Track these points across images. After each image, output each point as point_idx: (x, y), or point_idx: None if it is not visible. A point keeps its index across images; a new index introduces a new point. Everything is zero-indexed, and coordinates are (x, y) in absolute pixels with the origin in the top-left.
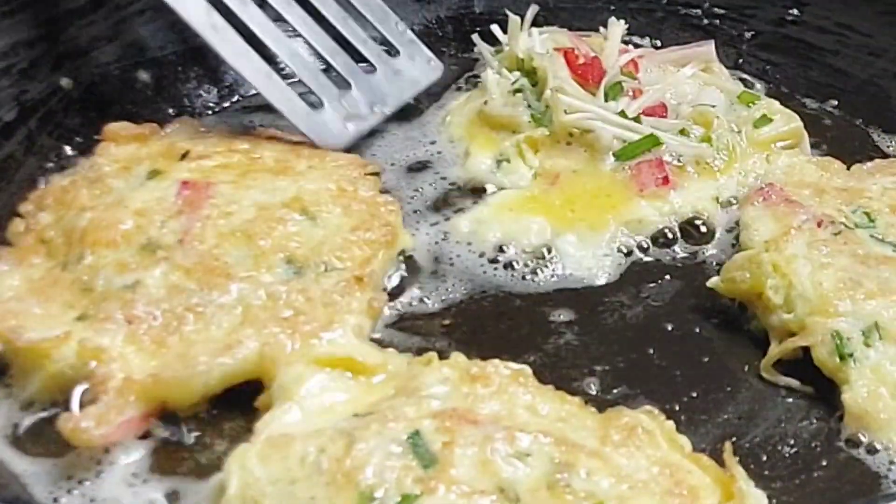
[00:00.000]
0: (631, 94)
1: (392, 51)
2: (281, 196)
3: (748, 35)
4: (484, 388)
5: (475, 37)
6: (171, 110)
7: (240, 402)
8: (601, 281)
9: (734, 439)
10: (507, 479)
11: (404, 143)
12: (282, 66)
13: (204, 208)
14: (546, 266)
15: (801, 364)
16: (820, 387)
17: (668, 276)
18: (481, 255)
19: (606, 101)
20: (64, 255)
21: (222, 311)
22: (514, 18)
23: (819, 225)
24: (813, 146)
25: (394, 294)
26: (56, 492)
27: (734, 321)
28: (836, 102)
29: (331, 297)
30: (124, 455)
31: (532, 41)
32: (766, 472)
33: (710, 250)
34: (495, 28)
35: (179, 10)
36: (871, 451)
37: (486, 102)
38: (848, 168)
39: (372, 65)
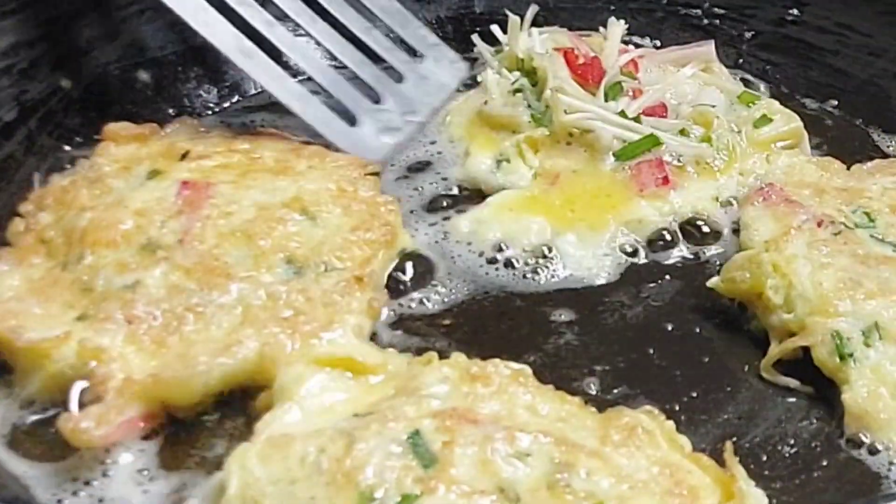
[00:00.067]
0: (631, 94)
1: (417, 55)
2: (281, 196)
3: (748, 35)
4: (484, 387)
5: (475, 37)
6: (171, 110)
7: (240, 402)
8: (601, 281)
9: (734, 439)
10: (507, 479)
11: (404, 142)
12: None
13: (204, 208)
14: (546, 266)
15: (801, 364)
16: (820, 387)
17: (667, 276)
18: (481, 255)
19: (606, 101)
20: (64, 255)
21: (222, 311)
22: (513, 18)
23: (819, 225)
24: (813, 146)
25: (394, 294)
26: (60, 493)
27: (734, 321)
28: (836, 102)
29: (331, 297)
30: (126, 455)
31: (532, 41)
32: (766, 472)
33: (710, 250)
34: (495, 28)
35: (209, 38)
36: (872, 451)
37: (486, 102)
38: (848, 168)
39: (400, 73)
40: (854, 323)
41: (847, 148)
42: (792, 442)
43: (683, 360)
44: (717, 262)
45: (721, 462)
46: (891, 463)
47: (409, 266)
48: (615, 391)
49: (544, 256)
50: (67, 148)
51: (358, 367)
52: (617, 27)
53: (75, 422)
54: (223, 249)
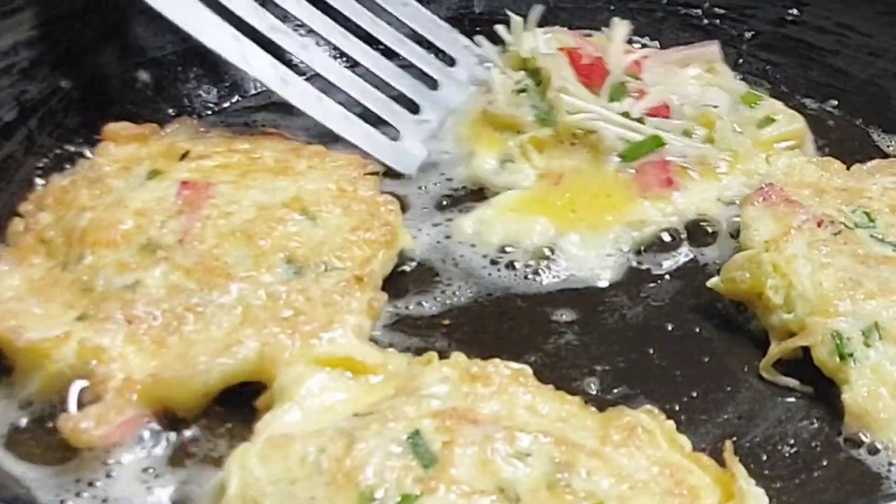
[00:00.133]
0: (635, 94)
1: (450, 60)
2: (281, 196)
3: (748, 35)
4: (484, 387)
5: (480, 37)
6: (171, 110)
7: (240, 402)
8: (603, 282)
9: (734, 439)
10: (507, 479)
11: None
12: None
13: (204, 208)
14: (548, 267)
15: (801, 364)
16: (820, 387)
17: (667, 277)
18: (484, 256)
19: (610, 101)
20: (64, 255)
21: (222, 311)
22: (518, 19)
23: (819, 225)
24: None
25: (394, 294)
26: (63, 494)
27: (734, 321)
28: (836, 102)
29: (331, 297)
30: (129, 455)
31: (536, 41)
32: (766, 472)
33: (712, 251)
34: (500, 28)
35: (248, 69)
36: (872, 451)
37: (490, 102)
38: (848, 168)
39: (436, 80)
40: (854, 323)
41: (847, 148)
42: (792, 442)
43: (683, 360)
44: (718, 263)
45: (721, 462)
46: (890, 463)
47: (409, 266)
48: (615, 391)
49: (546, 258)
50: (67, 148)
51: (358, 367)
52: (621, 27)
53: (75, 422)
54: (223, 249)
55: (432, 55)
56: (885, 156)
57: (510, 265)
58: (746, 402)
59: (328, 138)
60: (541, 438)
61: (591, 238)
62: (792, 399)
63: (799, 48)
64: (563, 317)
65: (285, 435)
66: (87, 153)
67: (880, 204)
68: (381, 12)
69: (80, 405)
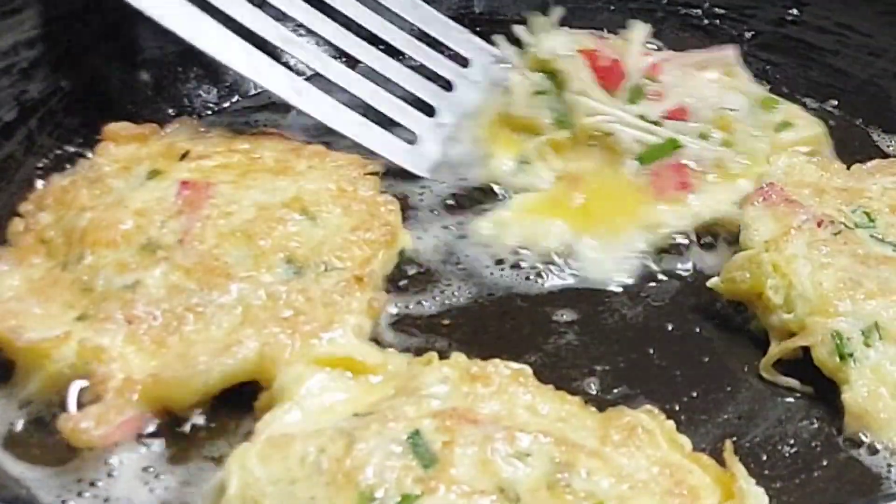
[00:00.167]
0: (652, 97)
1: (463, 61)
2: (281, 196)
3: (748, 35)
4: (484, 387)
5: (499, 38)
6: (171, 110)
7: (240, 402)
8: (617, 285)
9: (734, 439)
10: (507, 479)
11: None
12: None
13: (204, 208)
14: (558, 268)
15: (801, 364)
16: (820, 387)
17: (668, 277)
18: (491, 257)
19: (628, 104)
20: (64, 255)
21: (222, 311)
22: (538, 20)
23: (819, 225)
24: None
25: (394, 294)
26: (64, 494)
27: (734, 321)
28: (836, 102)
29: (331, 296)
30: (130, 455)
31: (555, 43)
32: (766, 472)
33: (713, 252)
34: (519, 29)
35: (263, 83)
36: (872, 451)
37: (508, 104)
38: (848, 168)
39: (450, 82)
40: (854, 323)
41: (847, 148)
42: (792, 442)
43: (683, 360)
44: (718, 264)
45: (721, 462)
46: (889, 464)
47: (409, 266)
48: (615, 391)
49: (553, 262)
50: (67, 148)
51: (358, 367)
52: (639, 29)
53: (75, 422)
54: (223, 249)
55: (445, 57)
56: (885, 156)
57: (516, 265)
58: (746, 402)
59: (328, 138)
60: (541, 438)
61: (607, 241)
62: (792, 399)
63: (799, 48)
64: (564, 317)
65: (285, 435)
66: (87, 153)
67: (880, 204)
68: (392, 16)
69: (80, 405)
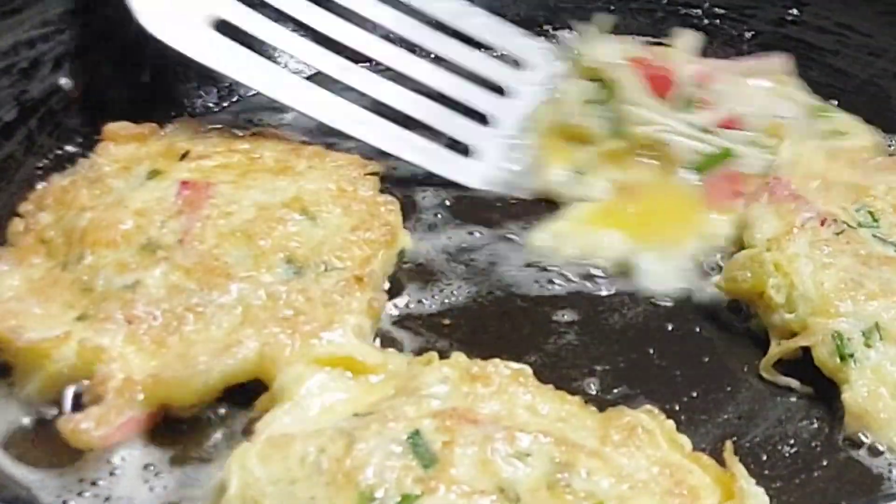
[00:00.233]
0: (704, 106)
1: (520, 64)
2: (281, 196)
3: (748, 35)
4: (484, 387)
5: (551, 45)
6: (171, 110)
7: (240, 402)
8: (673, 295)
9: (734, 439)
10: (507, 479)
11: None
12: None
13: (204, 208)
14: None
15: (802, 364)
16: (820, 387)
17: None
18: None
19: (680, 113)
20: (64, 255)
21: (222, 311)
22: (589, 28)
23: (822, 223)
24: None
25: (394, 293)
26: (65, 494)
27: (734, 321)
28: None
29: (331, 296)
30: (130, 454)
31: (605, 51)
32: (766, 472)
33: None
34: (570, 36)
35: (310, 112)
36: (873, 451)
37: (561, 113)
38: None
39: (507, 88)
40: (855, 323)
41: None
42: (792, 442)
43: (683, 360)
44: (720, 263)
45: (721, 462)
46: (890, 464)
47: (410, 266)
48: (615, 391)
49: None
50: (67, 148)
51: (358, 367)
52: (689, 38)
53: (75, 423)
54: (223, 249)
55: (501, 62)
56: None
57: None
58: (746, 402)
59: (328, 138)
60: (541, 438)
61: (663, 251)
62: (792, 399)
63: (799, 48)
64: (564, 317)
65: (285, 435)
66: (87, 153)
67: (884, 203)
68: (440, 26)
69: (81, 406)
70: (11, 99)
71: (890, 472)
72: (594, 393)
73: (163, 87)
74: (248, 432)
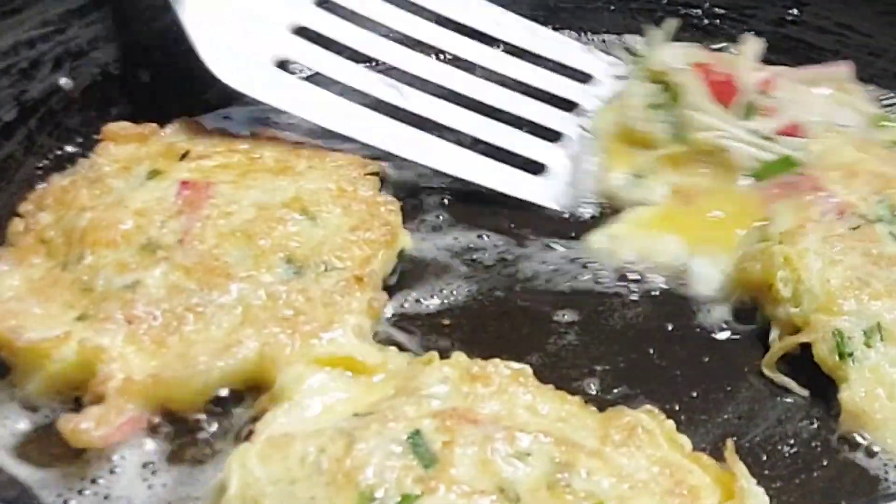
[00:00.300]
0: (765, 113)
1: (588, 78)
2: (281, 196)
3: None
4: (484, 387)
5: (618, 50)
6: (171, 110)
7: (240, 402)
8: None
9: (734, 439)
10: (507, 479)
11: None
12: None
13: (204, 208)
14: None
15: (802, 363)
16: (820, 387)
17: (668, 277)
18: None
19: (742, 119)
20: (64, 255)
21: (222, 311)
22: (654, 32)
23: (841, 214)
24: None
25: (394, 293)
26: (66, 493)
27: (735, 321)
28: None
29: (331, 296)
30: (130, 453)
31: (669, 56)
32: (766, 472)
33: None
34: (634, 40)
35: (380, 145)
36: (869, 453)
37: (625, 117)
38: None
39: (574, 103)
40: (857, 322)
41: None
42: (792, 442)
43: (683, 360)
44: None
45: (721, 461)
46: (885, 465)
47: (410, 265)
48: (615, 391)
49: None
50: (67, 148)
51: (358, 367)
52: (751, 44)
53: (75, 423)
54: (223, 249)
55: (572, 78)
56: None
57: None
58: (746, 402)
59: (328, 138)
60: (541, 438)
61: (721, 257)
62: (792, 399)
63: (799, 48)
64: (565, 317)
65: (285, 435)
66: (87, 153)
67: None
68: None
69: (81, 405)
70: (11, 99)
71: (886, 473)
72: (594, 393)
73: (163, 87)
74: (248, 432)
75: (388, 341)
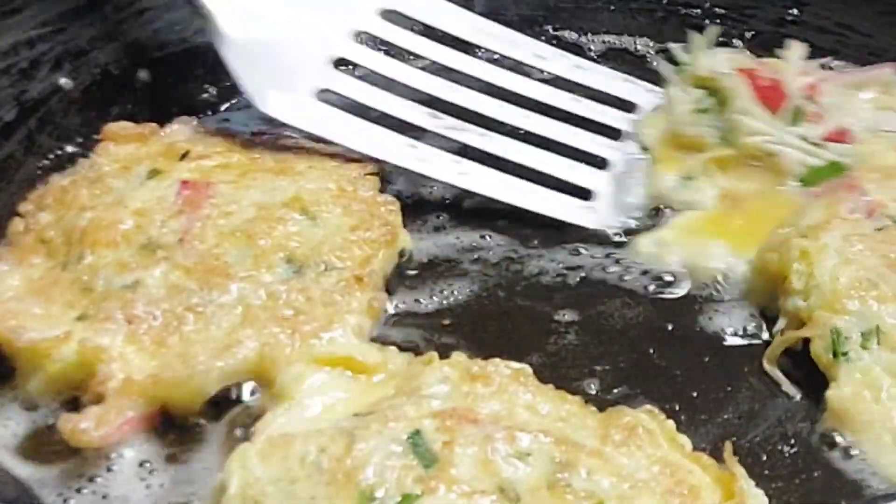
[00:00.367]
0: (812, 118)
1: (629, 107)
2: (281, 196)
3: (748, 35)
4: (484, 387)
5: (658, 56)
6: (171, 110)
7: (240, 403)
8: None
9: (734, 439)
10: (507, 479)
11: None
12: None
13: (204, 208)
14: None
15: (802, 363)
16: (822, 386)
17: (669, 277)
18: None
19: (790, 125)
20: (64, 254)
21: (222, 310)
22: (698, 37)
23: (870, 214)
24: None
25: (395, 293)
26: (66, 493)
27: (735, 321)
28: None
29: (331, 296)
30: (129, 452)
31: (714, 62)
32: (766, 472)
33: None
34: (676, 47)
35: (430, 174)
36: (848, 455)
37: (674, 122)
38: None
39: (617, 129)
40: (857, 323)
41: None
42: (792, 442)
43: (683, 360)
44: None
45: (721, 461)
46: (863, 469)
47: (410, 265)
48: (615, 391)
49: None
50: (67, 148)
51: (358, 367)
52: (797, 49)
53: (75, 422)
54: (223, 249)
55: (615, 107)
56: None
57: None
58: (746, 402)
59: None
60: (541, 438)
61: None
62: (792, 399)
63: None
64: (565, 317)
65: (285, 435)
66: (87, 153)
67: None
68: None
69: (81, 405)
70: (11, 99)
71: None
72: (594, 393)
73: (163, 87)
74: (248, 432)
75: (388, 341)
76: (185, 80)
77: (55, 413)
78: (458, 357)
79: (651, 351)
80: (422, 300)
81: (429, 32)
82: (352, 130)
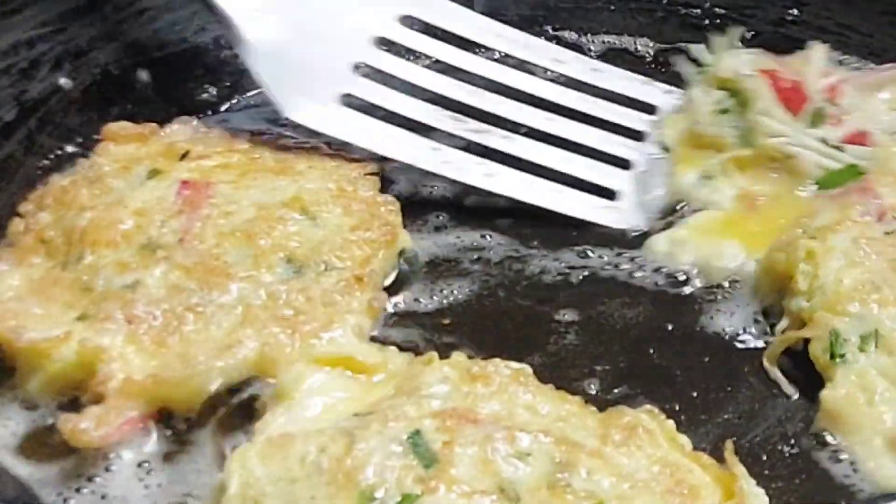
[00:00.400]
0: (833, 120)
1: (649, 109)
2: (281, 196)
3: (748, 35)
4: (484, 387)
5: (679, 57)
6: (171, 110)
7: (240, 402)
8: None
9: (734, 439)
10: (507, 479)
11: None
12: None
13: (204, 208)
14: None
15: (803, 363)
16: (819, 387)
17: (682, 276)
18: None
19: (810, 127)
20: (64, 254)
21: (222, 310)
22: (719, 39)
23: (880, 218)
24: None
25: (395, 293)
26: (66, 492)
27: (734, 321)
28: None
29: (331, 296)
30: (128, 452)
31: (737, 62)
32: (766, 472)
33: None
34: (698, 48)
35: (455, 176)
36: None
37: (694, 122)
38: None
39: (639, 131)
40: (856, 326)
41: None
42: (792, 442)
43: (683, 360)
44: None
45: (721, 461)
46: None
47: (410, 265)
48: (615, 391)
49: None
50: (67, 148)
51: (358, 367)
52: (819, 51)
53: (75, 423)
54: (223, 249)
55: (636, 109)
56: None
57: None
58: (746, 402)
59: (328, 138)
60: (541, 438)
61: None
62: (792, 399)
63: (799, 48)
64: (565, 317)
65: (285, 435)
66: (87, 153)
67: None
68: (571, 82)
69: (81, 405)
70: (11, 99)
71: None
72: (594, 393)
73: (163, 87)
74: (248, 432)
75: (388, 341)
76: (185, 80)
77: (55, 413)
78: (458, 357)
79: (651, 351)
80: (422, 300)
81: (448, 38)
82: (376, 135)
